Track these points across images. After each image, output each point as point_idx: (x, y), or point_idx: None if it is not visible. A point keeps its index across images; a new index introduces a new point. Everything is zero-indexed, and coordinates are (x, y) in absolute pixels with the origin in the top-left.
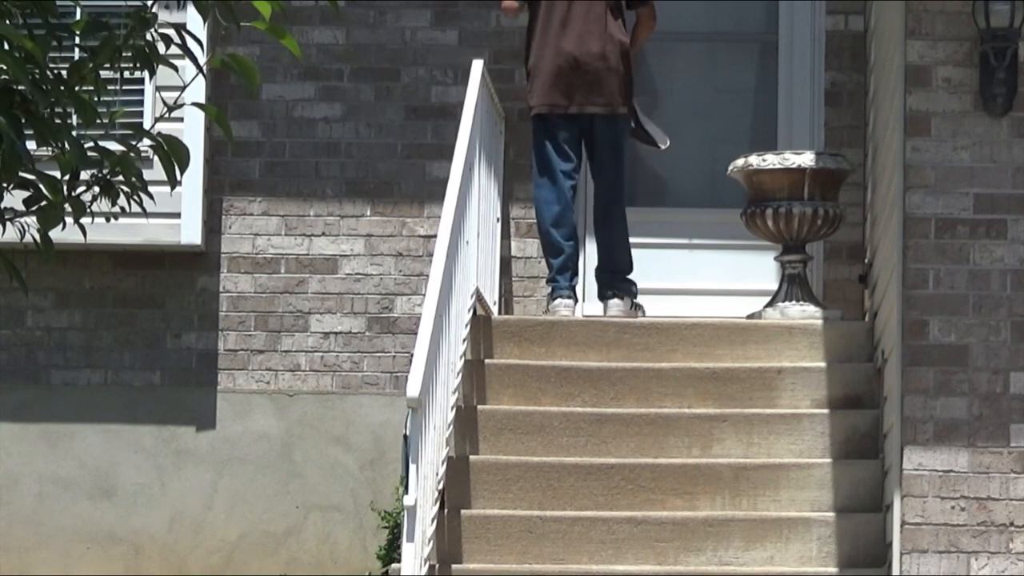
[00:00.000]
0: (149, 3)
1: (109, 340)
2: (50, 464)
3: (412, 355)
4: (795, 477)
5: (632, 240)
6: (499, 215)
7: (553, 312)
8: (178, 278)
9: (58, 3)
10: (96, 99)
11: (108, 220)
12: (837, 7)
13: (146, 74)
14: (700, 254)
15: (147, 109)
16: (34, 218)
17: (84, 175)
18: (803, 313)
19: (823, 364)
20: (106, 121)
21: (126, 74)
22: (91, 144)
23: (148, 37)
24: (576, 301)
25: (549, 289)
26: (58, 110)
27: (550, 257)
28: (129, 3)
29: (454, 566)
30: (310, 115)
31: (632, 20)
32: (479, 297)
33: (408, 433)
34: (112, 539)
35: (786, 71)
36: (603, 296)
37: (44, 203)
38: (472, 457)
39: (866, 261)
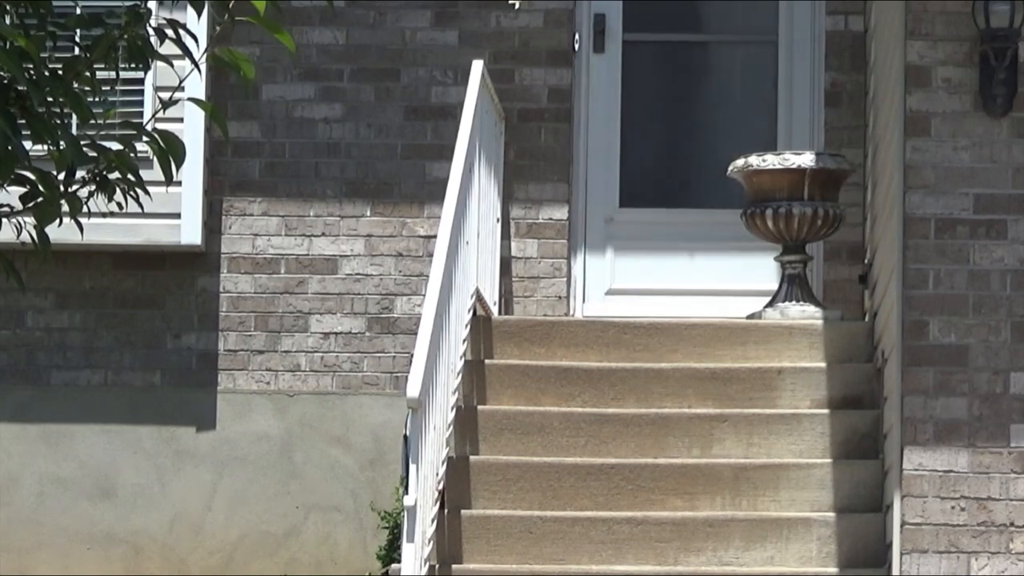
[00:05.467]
0: None
1: (109, 340)
2: (50, 464)
3: (412, 355)
4: (795, 477)
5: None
6: (499, 215)
7: None
8: (178, 278)
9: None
10: (94, 100)
11: (105, 216)
12: (837, 7)
13: (148, 75)
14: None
15: (147, 110)
16: (31, 216)
17: (80, 172)
18: (803, 313)
19: (823, 364)
20: (100, 122)
21: (124, 73)
22: (87, 142)
23: (143, 32)
24: None
25: None
26: (55, 110)
27: None
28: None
29: (454, 566)
30: (310, 115)
31: None
32: (479, 297)
33: (408, 433)
34: (112, 540)
35: (786, 71)
36: None
37: (40, 199)
38: (472, 457)
39: (866, 261)
